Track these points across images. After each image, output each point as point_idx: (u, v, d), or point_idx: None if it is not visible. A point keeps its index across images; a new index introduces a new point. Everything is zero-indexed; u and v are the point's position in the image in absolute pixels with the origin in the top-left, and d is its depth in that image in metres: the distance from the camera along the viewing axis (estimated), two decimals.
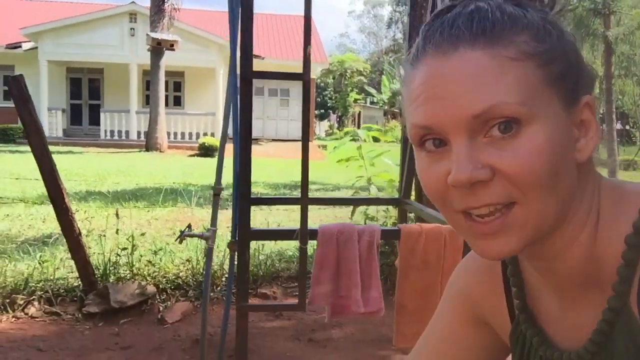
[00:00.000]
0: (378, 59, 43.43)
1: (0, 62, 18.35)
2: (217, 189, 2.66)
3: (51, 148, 12.60)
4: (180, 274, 4.01)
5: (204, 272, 2.70)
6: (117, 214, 3.95)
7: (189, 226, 2.70)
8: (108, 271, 3.84)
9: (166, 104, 17.21)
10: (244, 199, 2.17)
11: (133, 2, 17.30)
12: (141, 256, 3.94)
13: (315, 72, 22.04)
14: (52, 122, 17.54)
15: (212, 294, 3.88)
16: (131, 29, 17.57)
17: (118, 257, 3.86)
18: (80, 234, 3.68)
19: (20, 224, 5.78)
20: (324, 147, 18.62)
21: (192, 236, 2.68)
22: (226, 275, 4.10)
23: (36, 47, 17.20)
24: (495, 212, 0.58)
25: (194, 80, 19.62)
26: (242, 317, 2.20)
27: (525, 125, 0.56)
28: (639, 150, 17.10)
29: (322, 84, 35.90)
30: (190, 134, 18.33)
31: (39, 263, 3.79)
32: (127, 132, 18.09)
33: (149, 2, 16.22)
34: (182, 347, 3.21)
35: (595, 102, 0.63)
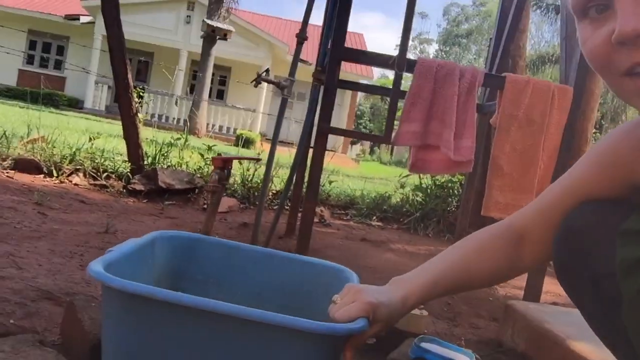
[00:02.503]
0: None
1: (57, 31, 18.81)
2: (301, 37, 2.51)
3: (92, 117, 12.62)
4: (230, 180, 3.84)
5: (275, 128, 2.52)
6: (176, 102, 3.83)
7: (267, 70, 2.55)
8: (158, 159, 3.69)
9: (209, 96, 17.33)
10: (342, 14, 2.00)
11: None
12: (193, 151, 3.80)
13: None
14: (97, 96, 17.78)
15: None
16: (187, 16, 17.87)
17: (170, 148, 3.72)
18: (136, 113, 3.57)
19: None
20: (357, 161, 18.80)
21: (268, 81, 2.52)
22: (277, 190, 3.93)
23: (93, 22, 17.60)
24: None
25: (240, 76, 19.76)
26: (321, 137, 2.02)
27: None
28: None
29: (358, 112, 36.04)
30: (229, 129, 18.37)
31: (90, 138, 3.67)
32: (167, 117, 18.21)
33: None
34: (230, 227, 3.03)
35: None
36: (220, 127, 18.32)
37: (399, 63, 2.03)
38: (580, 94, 2.14)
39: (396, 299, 0.87)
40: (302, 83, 15.12)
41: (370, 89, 2.82)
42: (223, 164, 1.24)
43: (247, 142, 15.47)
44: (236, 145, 15.73)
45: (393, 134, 2.12)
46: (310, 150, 2.33)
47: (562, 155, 2.15)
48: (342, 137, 21.39)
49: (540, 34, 27.44)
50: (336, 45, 2.05)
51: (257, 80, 2.50)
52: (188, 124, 4.45)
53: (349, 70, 20.10)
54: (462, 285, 0.95)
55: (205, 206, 3.40)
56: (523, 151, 2.13)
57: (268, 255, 1.24)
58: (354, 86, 2.50)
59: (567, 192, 0.90)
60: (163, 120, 17.90)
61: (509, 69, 3.08)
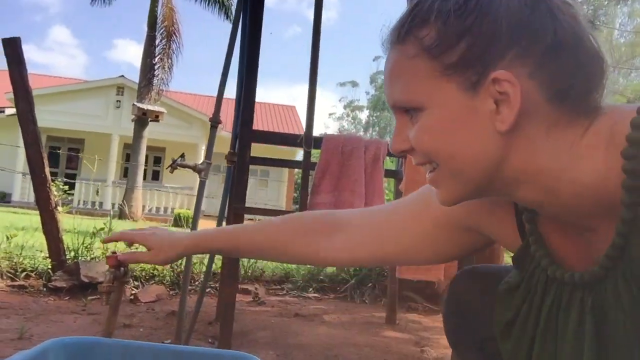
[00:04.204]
0: None
1: None
2: (214, 120, 2.57)
3: (21, 211, 12.15)
4: (158, 266, 3.75)
5: (194, 211, 2.52)
6: (97, 192, 3.75)
7: (182, 155, 2.57)
8: (80, 253, 3.57)
9: (144, 178, 17.09)
10: (249, 89, 2.08)
11: (122, 75, 17.73)
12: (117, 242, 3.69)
13: (296, 155, 22.46)
14: (25, 188, 17.13)
15: (189, 287, 3.62)
16: (117, 101, 17.82)
17: (93, 239, 3.61)
18: (56, 207, 3.47)
19: None
20: None
21: (184, 166, 2.54)
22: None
23: None
24: (429, 171, 0.73)
25: (174, 156, 19.62)
26: (237, 218, 2.03)
27: (420, 112, 0.68)
28: None
29: (296, 185, 36.39)
30: (166, 209, 18.03)
31: (7, 237, 3.51)
32: (101, 203, 17.69)
33: (138, 77, 16.63)
34: (157, 317, 2.93)
35: (512, 76, 0.63)
36: (157, 209, 17.96)
37: (306, 141, 2.11)
38: None
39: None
40: None
41: (282, 163, 2.91)
42: (118, 263, 1.23)
43: (186, 221, 15.19)
44: (175, 225, 15.42)
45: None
46: None
47: None
48: (284, 208, 21.43)
49: None
50: (245, 128, 2.11)
51: (173, 166, 2.52)
52: (112, 210, 4.35)
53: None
54: (252, 246, 1.04)
55: (131, 297, 3.28)
56: None
57: (173, 352, 1.21)
58: (266, 162, 2.55)
59: (394, 218, 0.95)
60: (97, 207, 17.41)
61: None
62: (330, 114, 52.70)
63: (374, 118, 44.45)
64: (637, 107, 0.63)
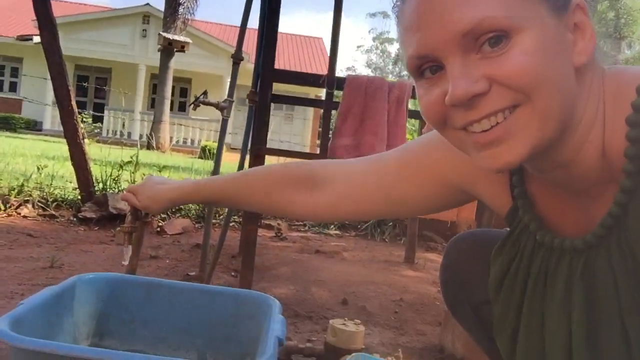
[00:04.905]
0: None
1: (10, 53, 18.37)
2: (237, 57, 2.54)
3: (52, 139, 12.31)
4: None
5: (217, 148, 2.54)
6: (123, 124, 3.81)
7: (205, 93, 2.56)
8: (108, 185, 3.66)
9: (171, 109, 17.15)
10: (271, 29, 2.04)
11: (148, 4, 17.47)
12: (144, 174, 3.78)
13: (321, 92, 22.20)
14: (55, 116, 17.42)
15: (214, 221, 3.71)
16: (143, 30, 17.67)
17: (120, 171, 3.69)
18: (83, 139, 3.53)
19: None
20: None
21: (207, 104, 2.53)
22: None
23: None
24: (497, 124, 0.59)
25: (201, 87, 19.62)
26: (257, 159, 2.04)
27: (514, 35, 0.57)
28: None
29: (321, 120, 35.99)
30: (193, 141, 18.22)
31: (37, 169, 3.62)
32: (129, 133, 17.93)
33: (164, 5, 16.37)
34: (182, 250, 3.03)
35: (586, 5, 0.62)
36: (185, 140, 18.14)
37: (329, 82, 2.08)
38: None
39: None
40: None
41: (304, 102, 2.88)
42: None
43: (212, 154, 15.37)
44: (201, 157, 15.62)
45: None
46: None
47: None
48: (308, 144, 21.46)
49: None
50: (266, 68, 2.08)
51: (196, 104, 2.51)
52: (139, 140, 4.43)
53: None
54: (236, 196, 1.04)
55: (158, 229, 3.38)
56: None
57: (192, 290, 1.26)
58: (288, 100, 2.53)
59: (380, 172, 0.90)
60: (125, 136, 17.67)
61: None
62: (358, 47, 51.46)
63: None
64: None
